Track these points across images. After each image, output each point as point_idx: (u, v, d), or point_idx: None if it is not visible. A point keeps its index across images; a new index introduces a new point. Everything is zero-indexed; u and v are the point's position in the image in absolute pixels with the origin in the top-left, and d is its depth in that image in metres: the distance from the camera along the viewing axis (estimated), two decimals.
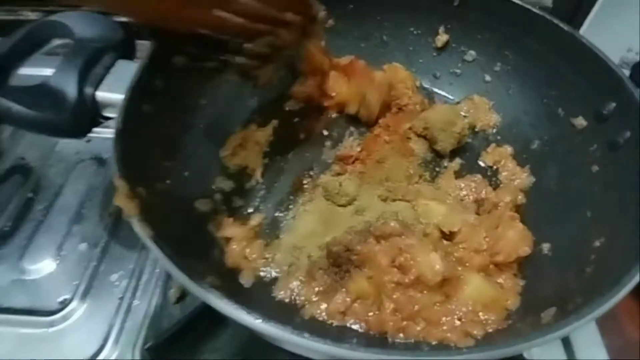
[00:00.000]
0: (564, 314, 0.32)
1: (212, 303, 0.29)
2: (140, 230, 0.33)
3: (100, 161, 0.65)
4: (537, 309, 0.36)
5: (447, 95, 0.63)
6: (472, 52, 0.60)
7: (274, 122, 0.59)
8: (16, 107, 0.40)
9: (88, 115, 0.44)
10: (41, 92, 0.42)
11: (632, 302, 0.55)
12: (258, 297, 0.44)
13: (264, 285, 0.45)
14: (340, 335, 0.40)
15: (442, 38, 0.61)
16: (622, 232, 0.37)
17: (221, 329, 0.46)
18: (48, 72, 0.44)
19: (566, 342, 0.48)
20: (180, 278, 0.31)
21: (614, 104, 0.44)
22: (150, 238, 0.32)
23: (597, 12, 0.63)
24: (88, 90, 0.44)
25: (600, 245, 0.39)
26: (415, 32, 0.62)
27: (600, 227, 0.40)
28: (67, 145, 0.67)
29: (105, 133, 0.60)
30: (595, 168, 0.46)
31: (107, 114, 0.47)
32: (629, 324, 0.54)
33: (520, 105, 0.57)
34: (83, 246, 0.56)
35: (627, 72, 0.63)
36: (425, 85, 0.63)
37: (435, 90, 0.63)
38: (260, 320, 0.28)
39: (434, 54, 0.63)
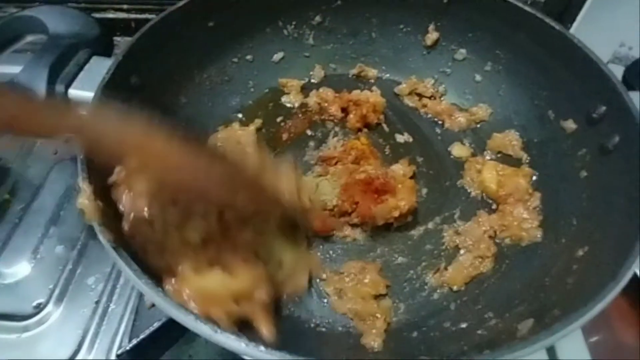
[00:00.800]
0: (541, 326, 0.32)
1: (168, 312, 0.29)
2: (100, 234, 0.33)
3: None
4: (514, 320, 0.35)
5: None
6: (463, 51, 0.59)
7: (257, 122, 0.58)
8: None
9: None
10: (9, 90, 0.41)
11: (622, 301, 0.54)
12: None
13: None
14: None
15: (432, 36, 0.60)
16: (606, 242, 0.37)
17: (195, 334, 0.45)
18: (18, 70, 0.43)
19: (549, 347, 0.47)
20: (139, 286, 0.30)
21: (604, 108, 0.44)
22: (109, 243, 0.32)
23: (590, 6, 0.62)
24: (59, 88, 0.43)
25: (583, 255, 0.38)
26: (404, 29, 0.61)
27: (585, 236, 0.40)
28: (46, 146, 0.66)
29: None
30: (584, 174, 0.45)
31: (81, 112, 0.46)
32: (618, 322, 0.54)
33: (510, 106, 0.56)
34: (59, 249, 0.56)
35: (619, 68, 0.62)
36: None
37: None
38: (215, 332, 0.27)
39: (424, 52, 0.62)
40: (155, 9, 0.72)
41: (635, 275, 0.50)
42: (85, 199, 0.34)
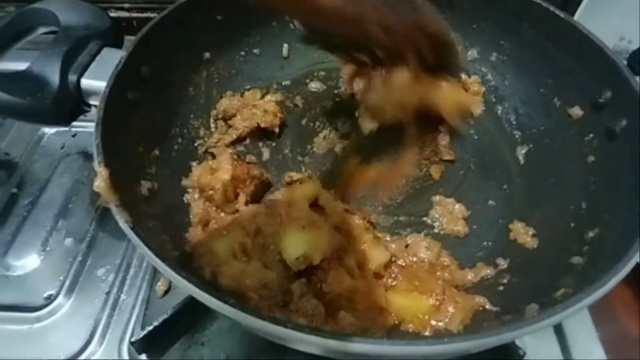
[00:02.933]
0: (551, 304, 0.32)
1: (190, 290, 0.29)
2: (117, 215, 0.33)
3: (86, 155, 0.65)
4: (522, 303, 0.36)
5: None
6: (467, 42, 0.60)
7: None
8: None
9: (72, 102, 0.44)
10: (23, 79, 0.42)
11: (628, 292, 0.55)
12: None
13: None
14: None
15: None
16: (615, 223, 0.37)
17: (208, 322, 0.46)
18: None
19: (561, 338, 0.48)
20: (159, 265, 0.31)
21: (610, 92, 0.44)
22: (127, 224, 0.32)
23: (590, 0, 0.63)
24: (72, 77, 0.44)
25: (593, 236, 0.39)
26: None
27: (595, 219, 0.40)
28: (53, 140, 0.67)
29: (91, 127, 0.60)
30: (591, 158, 0.46)
31: (92, 102, 0.47)
32: (624, 313, 0.54)
33: (516, 95, 0.57)
34: (69, 241, 0.56)
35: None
36: None
37: None
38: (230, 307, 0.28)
39: None
40: (156, 8, 0.73)
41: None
42: (101, 182, 0.35)
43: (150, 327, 0.43)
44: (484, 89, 0.59)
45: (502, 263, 0.45)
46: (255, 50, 0.62)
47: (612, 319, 0.54)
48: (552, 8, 0.50)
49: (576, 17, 0.67)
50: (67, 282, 0.53)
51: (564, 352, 0.47)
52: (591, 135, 0.46)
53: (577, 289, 0.32)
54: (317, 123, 0.60)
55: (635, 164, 0.39)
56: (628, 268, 0.32)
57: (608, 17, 0.65)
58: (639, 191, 0.37)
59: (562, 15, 0.49)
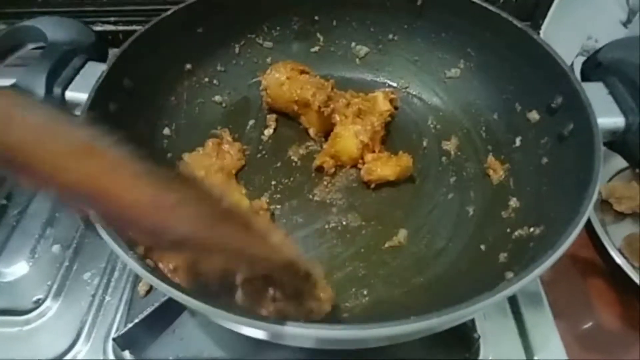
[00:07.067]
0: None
1: (165, 291, 0.34)
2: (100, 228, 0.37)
3: None
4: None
5: (414, 93, 0.68)
6: (437, 52, 0.65)
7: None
8: None
9: None
10: None
11: (605, 286, 0.60)
12: None
13: None
14: None
15: None
16: (559, 220, 0.41)
17: (186, 319, 0.50)
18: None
19: (525, 342, 0.52)
20: (136, 269, 0.35)
21: (561, 98, 0.49)
22: (105, 231, 0.37)
23: (559, 3, 0.69)
24: (57, 90, 0.49)
25: (539, 233, 0.44)
26: (383, 31, 0.67)
27: (542, 217, 0.45)
28: None
29: None
30: (545, 160, 0.51)
31: (77, 113, 0.51)
32: (600, 307, 0.59)
33: (482, 101, 0.62)
34: (56, 248, 0.61)
35: None
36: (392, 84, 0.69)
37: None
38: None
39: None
40: (141, 21, 0.77)
41: (617, 265, 0.56)
42: None
43: (131, 324, 0.48)
44: None
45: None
46: (233, 62, 0.66)
47: (592, 318, 0.58)
48: (510, 18, 0.55)
49: (547, 19, 0.72)
50: (55, 287, 0.57)
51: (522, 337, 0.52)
52: (546, 138, 0.51)
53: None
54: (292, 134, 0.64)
55: (578, 163, 0.43)
56: (559, 254, 0.36)
57: (576, 18, 0.71)
58: (580, 190, 0.41)
59: (519, 25, 0.54)
